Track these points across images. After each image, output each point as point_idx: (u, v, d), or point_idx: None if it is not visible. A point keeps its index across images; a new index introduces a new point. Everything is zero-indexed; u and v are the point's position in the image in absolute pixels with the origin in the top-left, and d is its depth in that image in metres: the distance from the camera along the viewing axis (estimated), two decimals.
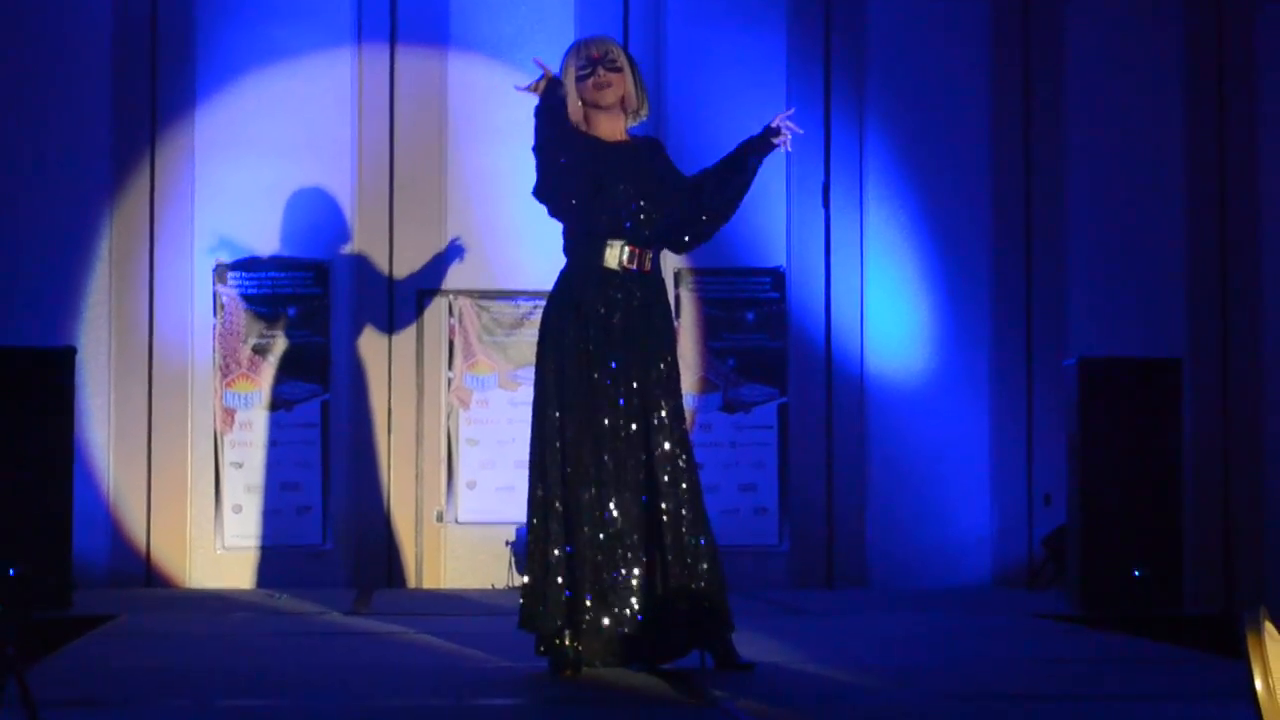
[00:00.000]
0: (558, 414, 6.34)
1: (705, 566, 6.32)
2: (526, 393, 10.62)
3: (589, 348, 6.34)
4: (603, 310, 6.36)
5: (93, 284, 10.69)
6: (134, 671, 6.61)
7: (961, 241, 11.22)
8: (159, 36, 10.81)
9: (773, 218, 11.06)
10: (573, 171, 6.36)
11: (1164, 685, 6.49)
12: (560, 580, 6.25)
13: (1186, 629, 8.66)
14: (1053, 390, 10.67)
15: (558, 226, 10.82)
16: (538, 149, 6.49)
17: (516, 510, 10.57)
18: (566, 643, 6.26)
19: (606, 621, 6.23)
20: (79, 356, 9.61)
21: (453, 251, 10.83)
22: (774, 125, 6.64)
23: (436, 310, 10.84)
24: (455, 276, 10.87)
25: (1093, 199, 11.30)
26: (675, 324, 6.70)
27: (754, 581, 10.42)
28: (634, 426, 6.31)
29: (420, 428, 10.72)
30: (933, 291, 11.18)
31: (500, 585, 10.46)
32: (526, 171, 10.38)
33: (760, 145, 6.66)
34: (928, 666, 6.97)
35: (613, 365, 6.33)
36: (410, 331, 10.78)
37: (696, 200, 6.53)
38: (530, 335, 10.71)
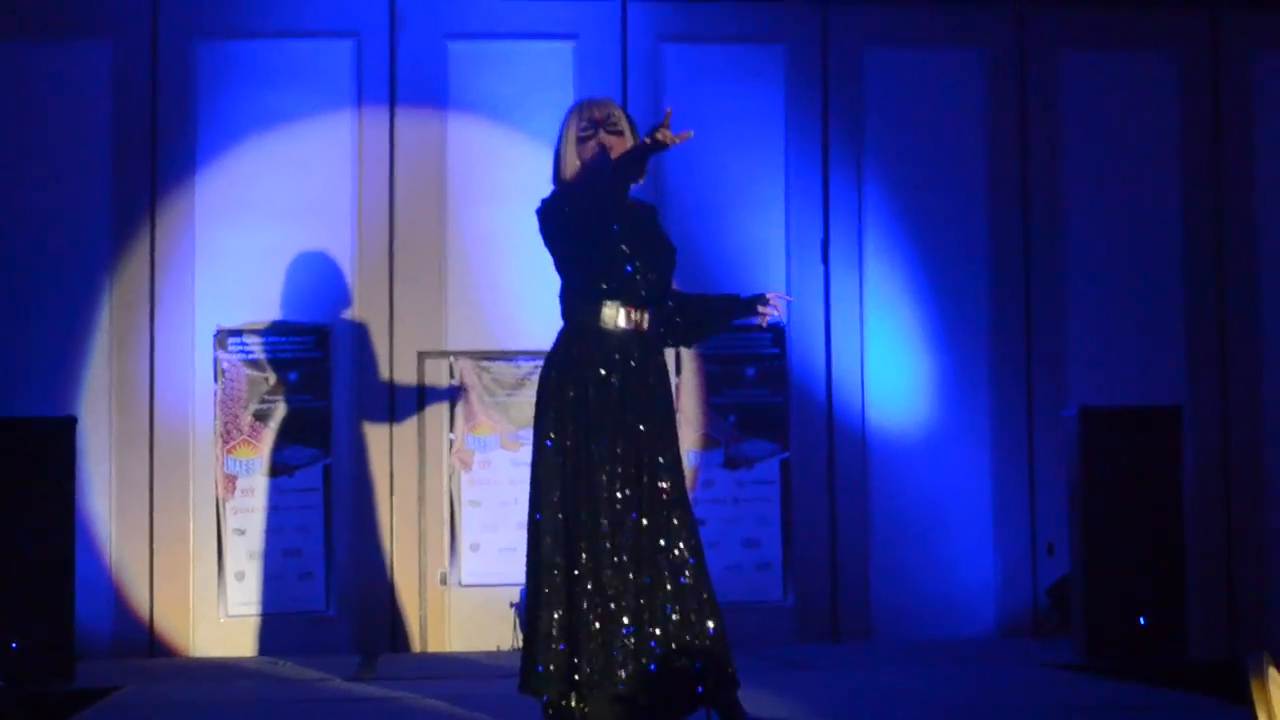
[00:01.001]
0: (555, 477, 6.32)
1: (708, 624, 6.30)
2: (528, 453, 10.67)
3: (588, 408, 6.34)
4: (602, 371, 6.36)
5: (93, 352, 10.68)
6: None
7: (960, 294, 11.22)
8: (159, 101, 10.81)
9: (772, 273, 11.06)
10: (614, 240, 6.36)
11: None
12: (561, 642, 6.22)
13: (1192, 675, 8.63)
14: (1053, 440, 10.66)
15: (555, 288, 10.85)
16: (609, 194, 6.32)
17: (520, 572, 10.48)
18: (573, 704, 6.23)
19: (610, 682, 6.20)
20: (80, 426, 9.57)
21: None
22: (767, 296, 6.62)
23: (437, 371, 10.82)
24: (455, 337, 10.87)
25: (1090, 249, 11.31)
26: (675, 381, 6.68)
27: (759, 637, 10.39)
28: (629, 490, 6.29)
29: (423, 490, 10.68)
30: (932, 344, 11.18)
31: (505, 647, 10.41)
32: (524, 230, 10.43)
33: (744, 310, 6.75)
34: None
35: (610, 427, 6.32)
36: (411, 394, 10.77)
37: (670, 318, 6.59)
38: (530, 396, 10.72)
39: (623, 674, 6.20)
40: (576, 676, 6.18)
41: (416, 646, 10.57)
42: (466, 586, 10.68)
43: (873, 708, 7.36)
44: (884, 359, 11.13)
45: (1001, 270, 11.23)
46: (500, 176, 10.94)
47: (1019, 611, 10.97)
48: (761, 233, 11.10)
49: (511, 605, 10.42)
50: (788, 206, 11.12)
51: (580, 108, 6.54)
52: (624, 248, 6.38)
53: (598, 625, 6.20)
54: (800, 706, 7.12)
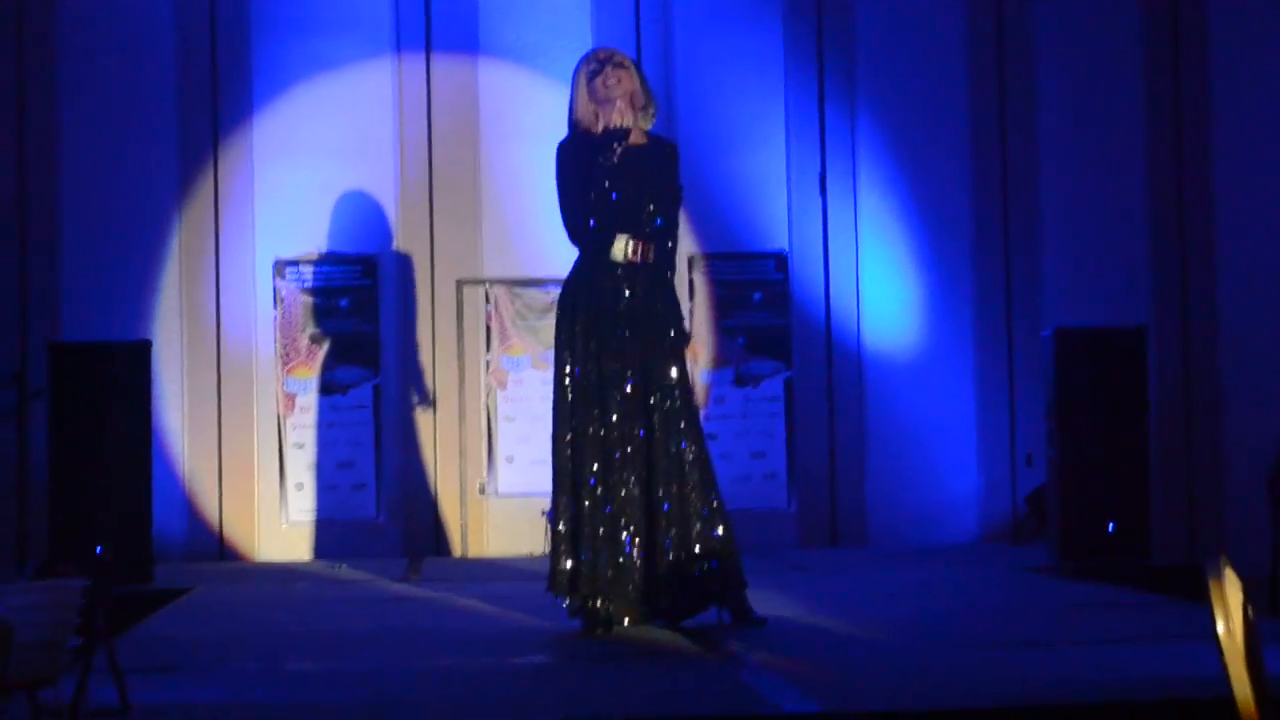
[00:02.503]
0: (569, 398, 6.40)
1: (717, 529, 6.37)
2: None
3: (596, 334, 6.39)
4: (607, 299, 6.41)
5: (165, 282, 10.71)
6: (211, 639, 6.67)
7: (946, 222, 11.20)
8: (218, 50, 10.81)
9: (774, 204, 11.06)
10: (575, 195, 6.45)
11: (1137, 629, 6.54)
12: (579, 548, 6.30)
13: (1155, 577, 8.65)
14: (1031, 359, 10.66)
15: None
16: (558, 189, 6.58)
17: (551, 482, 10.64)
18: (597, 604, 6.32)
19: (623, 584, 6.29)
20: (154, 349, 9.59)
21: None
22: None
23: (474, 298, 10.86)
24: (490, 266, 10.90)
25: (1064, 180, 11.26)
26: (688, 306, 6.71)
27: (765, 542, 10.42)
28: (637, 408, 6.35)
29: (462, 407, 10.73)
30: (922, 271, 11.17)
31: (538, 553, 10.40)
32: (551, 166, 10.47)
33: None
34: (925, 617, 7.00)
35: (619, 344, 6.38)
36: (451, 318, 10.81)
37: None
38: None
39: (636, 577, 6.29)
40: (595, 580, 6.27)
41: (458, 551, 10.65)
42: (503, 496, 10.74)
43: (866, 606, 7.40)
44: (878, 283, 11.13)
45: (983, 200, 11.20)
46: (528, 116, 10.91)
47: (1000, 518, 11.01)
48: (763, 166, 11.08)
49: (543, 513, 10.41)
50: (787, 141, 11.09)
51: (587, 56, 6.58)
52: (623, 188, 6.41)
53: (611, 532, 6.28)
54: (802, 605, 7.18)
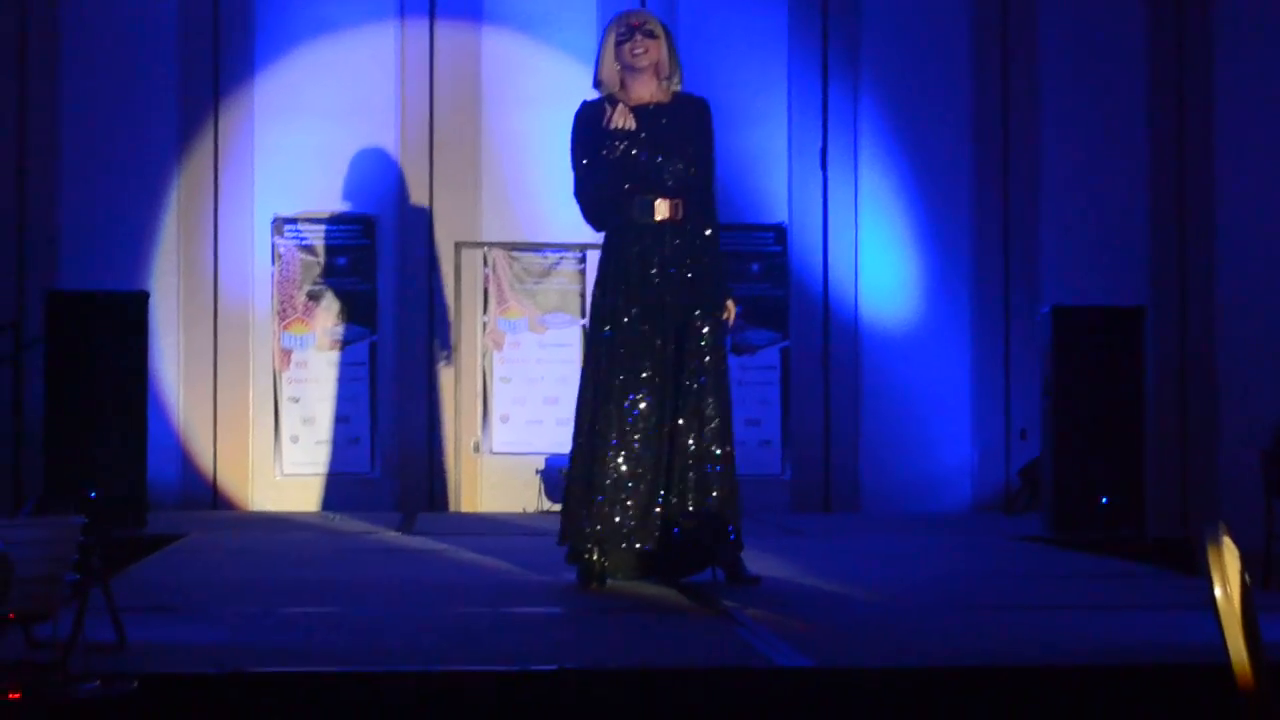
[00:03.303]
0: (602, 352, 6.36)
1: (723, 491, 6.35)
2: (555, 335, 10.77)
3: (631, 293, 6.34)
4: (640, 261, 6.36)
5: (163, 235, 10.71)
6: (205, 583, 6.68)
7: (946, 200, 11.23)
8: (220, 8, 10.80)
9: (775, 178, 11.07)
10: (594, 170, 6.42)
11: (1128, 598, 6.55)
12: (585, 501, 6.29)
13: (1148, 549, 8.68)
14: (1028, 334, 10.67)
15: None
16: (572, 158, 6.54)
17: (545, 442, 10.67)
18: (594, 558, 6.31)
19: (631, 540, 6.27)
20: (151, 300, 9.61)
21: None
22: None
23: (472, 260, 10.86)
24: (489, 229, 10.90)
25: (1064, 159, 11.29)
26: (721, 263, 6.64)
27: (759, 506, 10.42)
28: (670, 363, 6.31)
29: (458, 367, 10.74)
30: (921, 246, 11.19)
31: (530, 509, 10.50)
32: (552, 134, 10.44)
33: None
34: (916, 580, 7.01)
35: (653, 307, 6.34)
36: (449, 280, 10.81)
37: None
38: (557, 284, 10.79)
39: (642, 533, 6.26)
40: (602, 533, 6.26)
41: (452, 506, 10.68)
42: (496, 454, 10.76)
43: (858, 569, 7.42)
44: (876, 258, 11.15)
45: (983, 178, 11.22)
46: (530, 83, 10.93)
47: (993, 490, 11.03)
48: (766, 141, 11.08)
49: (537, 472, 10.49)
50: (790, 117, 11.10)
51: (619, 17, 6.54)
52: (643, 149, 6.37)
53: (623, 488, 6.26)
54: (795, 566, 7.19)
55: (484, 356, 10.79)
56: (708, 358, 6.37)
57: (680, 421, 6.31)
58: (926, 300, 11.15)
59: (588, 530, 6.27)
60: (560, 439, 10.67)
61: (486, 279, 10.83)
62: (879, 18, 11.21)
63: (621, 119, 6.37)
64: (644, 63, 6.43)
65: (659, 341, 6.33)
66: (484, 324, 10.81)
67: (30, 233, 10.58)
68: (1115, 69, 11.35)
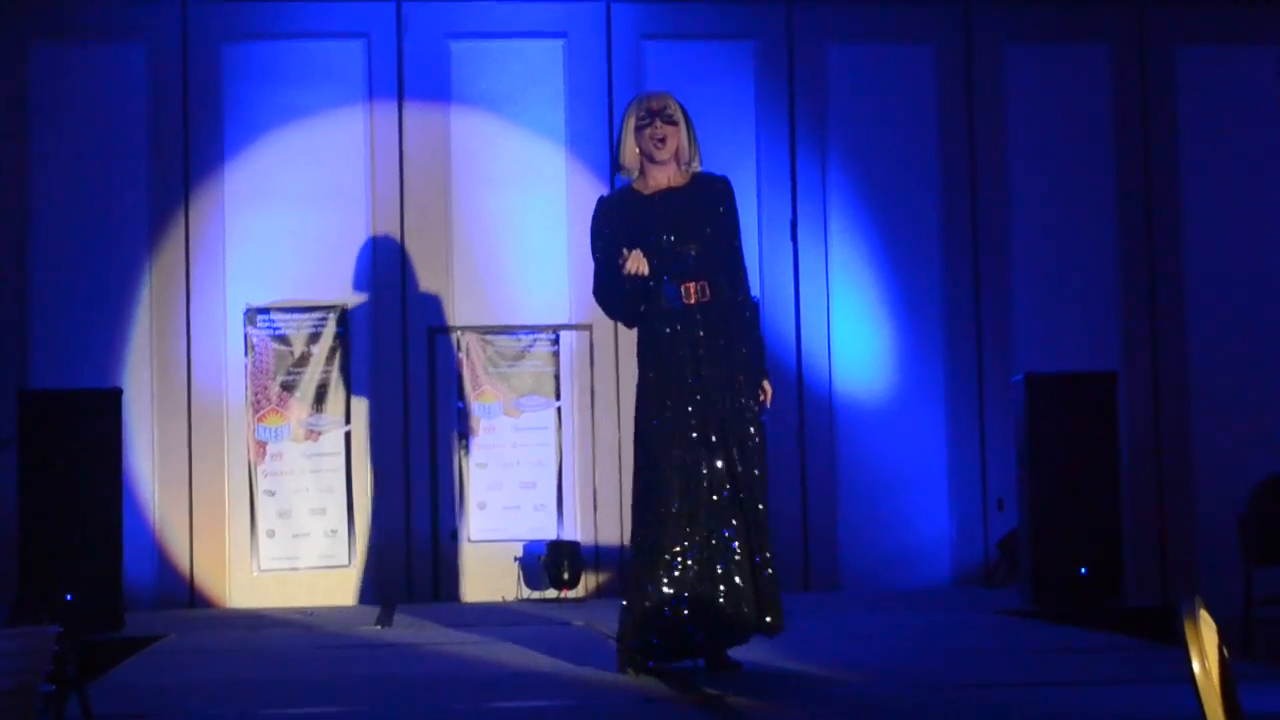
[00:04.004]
0: (648, 438, 6.35)
1: (763, 579, 6.36)
2: (529, 419, 10.77)
3: (669, 378, 6.36)
4: (672, 344, 6.38)
5: (135, 329, 10.70)
6: (184, 686, 6.63)
7: (917, 270, 11.27)
8: (189, 97, 10.84)
9: (746, 250, 11.03)
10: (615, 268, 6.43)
11: (1111, 671, 6.54)
12: (647, 589, 6.25)
13: (1128, 619, 8.69)
14: (1002, 404, 10.71)
15: (552, 267, 10.89)
16: (594, 255, 6.59)
17: (523, 528, 10.67)
18: (638, 643, 6.27)
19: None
20: (125, 397, 9.60)
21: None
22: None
23: (446, 345, 10.87)
24: (462, 313, 10.91)
25: (1033, 229, 11.36)
26: (758, 343, 6.64)
27: None
28: (710, 449, 6.32)
29: (434, 453, 10.72)
30: (893, 317, 11.22)
31: (510, 598, 10.46)
32: (523, 214, 10.48)
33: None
34: (898, 661, 6.99)
35: (691, 391, 6.34)
36: (423, 366, 10.81)
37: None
38: (531, 366, 10.79)
39: (689, 616, 6.25)
40: (653, 620, 6.25)
41: (431, 596, 10.62)
42: (475, 541, 10.73)
43: (837, 650, 7.40)
44: (848, 330, 11.18)
45: (953, 248, 11.28)
46: (500, 164, 10.98)
47: (972, 562, 11.04)
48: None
49: (515, 559, 10.48)
50: (759, 189, 11.14)
51: (640, 99, 6.56)
52: (666, 237, 6.39)
53: (672, 576, 6.24)
54: (774, 650, 7.17)
55: (459, 442, 10.78)
56: (751, 442, 6.38)
57: (727, 509, 6.30)
58: (900, 370, 11.18)
59: (639, 617, 6.24)
60: (538, 524, 10.72)
61: (460, 363, 10.84)
62: (845, 89, 11.29)
63: (635, 265, 6.36)
64: (665, 155, 6.49)
65: (700, 428, 6.32)
66: (459, 409, 10.80)
67: (2, 331, 10.55)
68: (1082, 136, 11.44)
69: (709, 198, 6.53)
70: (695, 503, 6.29)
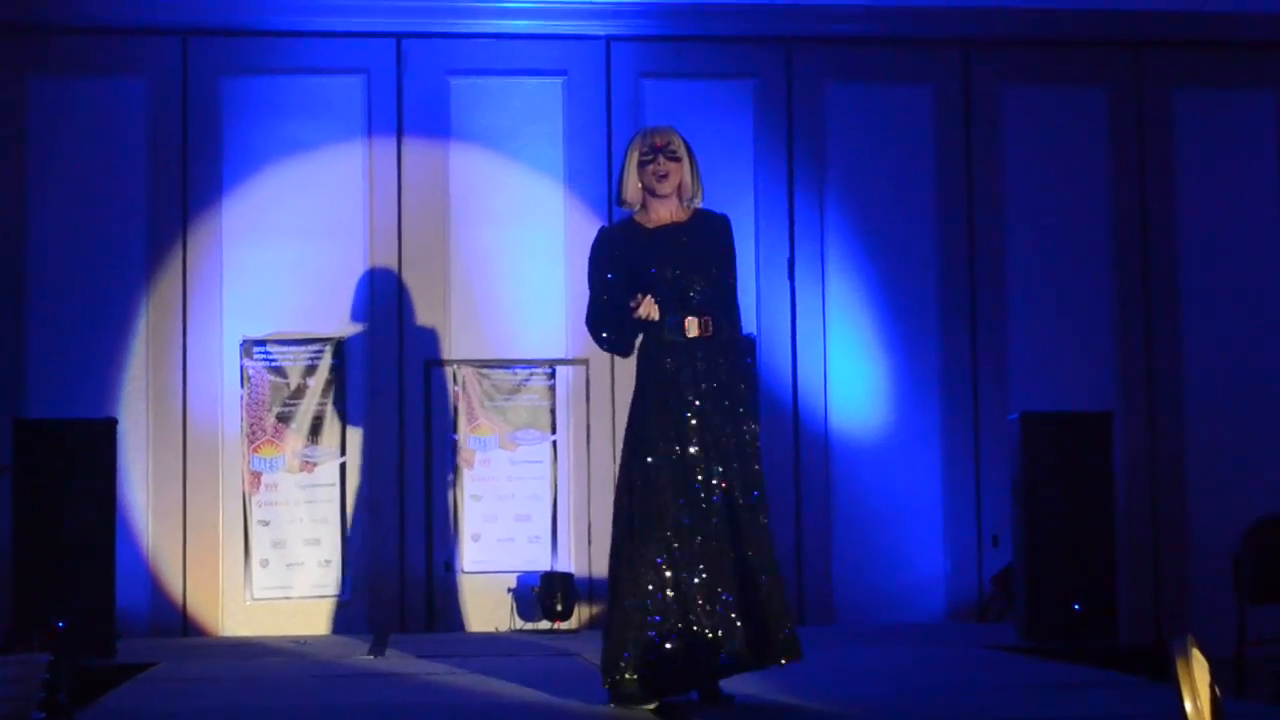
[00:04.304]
0: (644, 474, 6.30)
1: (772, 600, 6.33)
2: (525, 452, 10.77)
3: (670, 412, 6.33)
4: (677, 376, 6.35)
5: (132, 360, 10.71)
6: (174, 714, 6.60)
7: (914, 308, 11.28)
8: (189, 132, 10.86)
9: (743, 288, 10.88)
10: (613, 297, 6.45)
11: (1104, 708, 6.52)
12: (644, 624, 6.23)
13: (1122, 656, 8.67)
14: (998, 442, 10.71)
15: (549, 302, 10.90)
16: (590, 283, 6.58)
17: (517, 560, 10.67)
18: (629, 676, 6.22)
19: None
20: (120, 427, 9.60)
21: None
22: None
23: (441, 378, 10.87)
24: (458, 347, 10.91)
25: (1029, 268, 11.37)
26: (752, 380, 6.61)
27: None
28: (713, 484, 6.30)
29: (429, 485, 10.72)
30: (889, 354, 11.23)
31: (504, 628, 10.46)
32: (520, 249, 10.49)
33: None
34: (892, 696, 6.97)
35: (693, 426, 6.32)
36: (419, 398, 10.81)
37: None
38: (527, 400, 10.80)
39: (630, 656, 6.22)
40: (636, 651, 6.22)
41: (424, 627, 10.61)
42: (468, 573, 10.73)
43: (832, 685, 7.37)
44: (845, 368, 11.18)
45: (950, 285, 11.30)
46: (498, 200, 11.00)
47: (967, 597, 11.03)
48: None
49: (509, 590, 10.46)
50: (757, 227, 11.15)
51: (644, 134, 6.55)
52: (670, 271, 6.38)
53: (668, 613, 6.21)
54: (768, 683, 7.15)
55: (455, 475, 10.78)
56: (752, 466, 6.37)
57: (727, 550, 6.27)
58: (896, 408, 11.19)
59: (633, 656, 6.20)
60: (532, 556, 10.72)
61: (456, 396, 10.85)
62: (844, 128, 11.32)
63: (647, 310, 6.34)
64: (667, 190, 6.47)
65: (703, 461, 6.29)
66: (454, 442, 10.81)
67: None
68: (1079, 173, 11.47)
69: (711, 234, 6.53)
70: (685, 533, 6.26)
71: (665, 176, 6.46)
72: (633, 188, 6.51)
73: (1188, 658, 3.13)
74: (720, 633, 6.24)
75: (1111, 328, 11.37)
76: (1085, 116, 11.51)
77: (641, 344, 6.49)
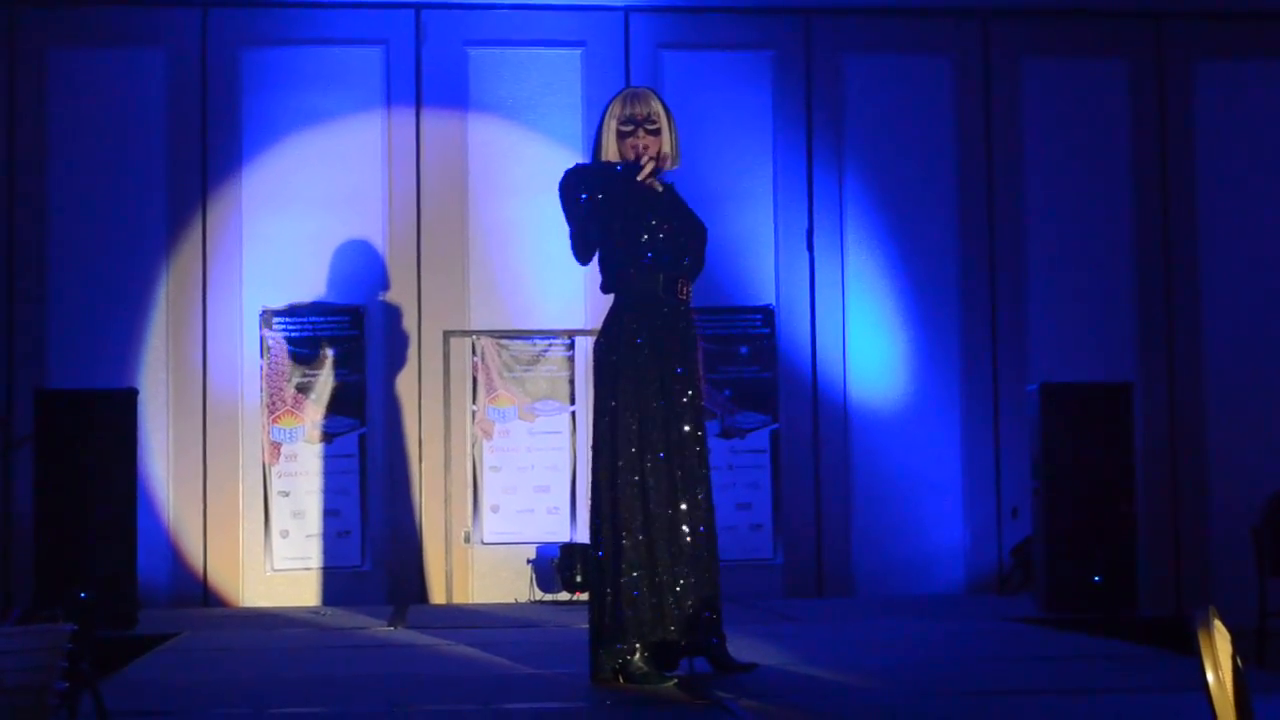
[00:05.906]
0: (626, 433, 6.22)
1: (698, 579, 6.26)
2: (544, 423, 10.77)
3: (661, 368, 6.24)
4: (654, 335, 6.27)
5: (152, 330, 10.72)
6: (196, 684, 6.62)
7: (933, 279, 11.26)
8: (208, 102, 10.86)
9: (762, 260, 11.10)
10: (594, 207, 6.26)
11: (1123, 680, 6.50)
12: (633, 593, 6.18)
13: (1141, 629, 8.66)
14: (1017, 413, 10.70)
15: (567, 272, 10.89)
16: (563, 206, 6.36)
17: (536, 531, 10.67)
18: (634, 658, 6.17)
19: (660, 627, 6.17)
20: (140, 397, 9.62)
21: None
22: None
23: (461, 349, 10.87)
24: (477, 318, 10.91)
25: (1049, 238, 11.34)
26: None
27: (751, 592, 10.44)
28: (688, 442, 6.24)
29: (448, 456, 10.73)
30: (908, 325, 11.21)
31: (522, 599, 10.46)
32: (540, 221, 10.50)
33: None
34: (910, 666, 6.96)
35: (677, 382, 6.25)
36: (438, 369, 10.81)
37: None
38: (546, 371, 10.78)
39: (666, 620, 6.18)
40: (639, 626, 6.16)
41: (443, 598, 10.63)
42: (487, 544, 10.74)
43: (852, 655, 7.38)
44: (864, 338, 11.17)
45: (970, 257, 11.27)
46: (516, 171, 10.98)
47: (986, 569, 11.03)
48: (752, 223, 11.12)
49: (528, 561, 10.46)
50: (775, 198, 11.13)
51: (625, 99, 6.43)
52: (651, 221, 6.28)
53: (654, 579, 6.16)
54: (788, 653, 7.16)
55: (473, 446, 10.79)
56: (700, 432, 6.33)
57: (683, 505, 6.22)
58: (915, 379, 11.17)
59: (629, 625, 6.13)
60: (551, 527, 10.72)
61: (475, 367, 10.84)
62: (862, 99, 11.29)
63: (648, 171, 6.26)
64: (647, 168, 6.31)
65: (683, 419, 6.24)
66: (473, 413, 10.81)
67: (19, 332, 10.58)
68: (1099, 144, 11.43)
69: (680, 201, 6.48)
70: (661, 499, 6.18)
71: (645, 149, 6.33)
72: (609, 153, 6.37)
73: (1209, 629, 3.11)
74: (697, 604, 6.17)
75: (1131, 299, 11.34)
76: (1105, 87, 11.46)
77: (621, 303, 6.35)
